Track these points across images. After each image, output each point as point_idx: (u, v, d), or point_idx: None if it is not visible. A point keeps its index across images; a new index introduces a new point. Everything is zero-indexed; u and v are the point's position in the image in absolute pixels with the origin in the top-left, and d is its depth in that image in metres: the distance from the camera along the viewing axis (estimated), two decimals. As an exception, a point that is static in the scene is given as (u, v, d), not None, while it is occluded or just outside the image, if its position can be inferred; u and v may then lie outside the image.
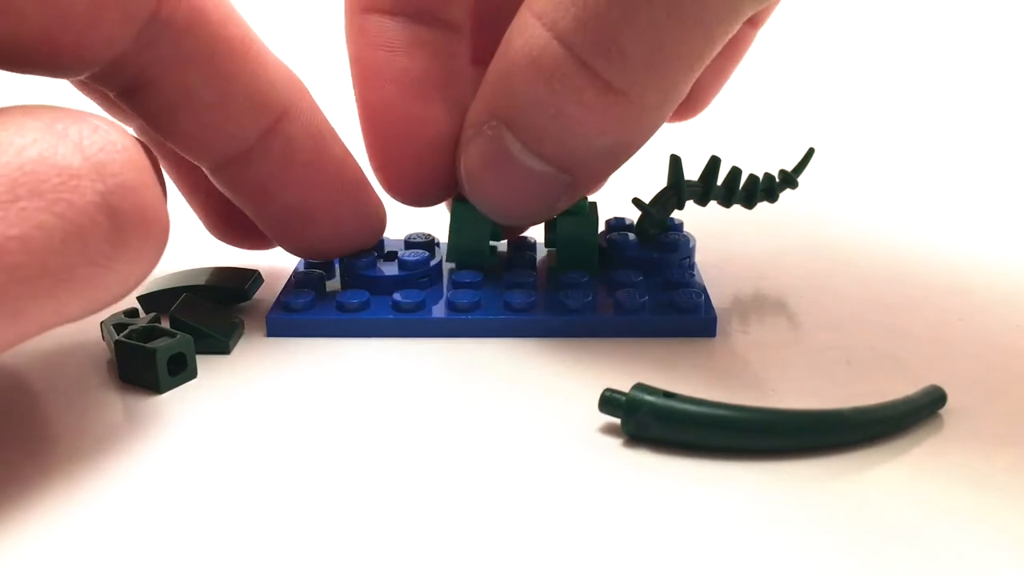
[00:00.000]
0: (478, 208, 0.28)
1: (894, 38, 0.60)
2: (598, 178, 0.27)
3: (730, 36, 0.23)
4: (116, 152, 0.19)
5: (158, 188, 0.20)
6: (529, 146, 0.25)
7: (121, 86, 0.24)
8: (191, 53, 0.23)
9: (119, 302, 0.21)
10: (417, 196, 0.29)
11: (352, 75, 0.28)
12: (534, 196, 0.27)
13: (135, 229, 0.19)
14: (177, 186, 0.30)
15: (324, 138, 0.27)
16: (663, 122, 0.25)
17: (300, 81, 0.27)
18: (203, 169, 0.26)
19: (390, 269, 0.29)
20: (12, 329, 0.18)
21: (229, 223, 0.30)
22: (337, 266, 0.30)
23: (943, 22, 0.61)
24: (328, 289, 0.29)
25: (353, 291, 0.28)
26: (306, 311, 0.28)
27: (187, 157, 0.26)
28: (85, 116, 0.19)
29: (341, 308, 0.28)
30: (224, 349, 0.27)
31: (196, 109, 0.24)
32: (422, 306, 0.28)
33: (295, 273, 0.30)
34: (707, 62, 0.24)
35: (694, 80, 0.24)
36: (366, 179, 0.28)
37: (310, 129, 0.26)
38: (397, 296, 0.28)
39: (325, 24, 0.64)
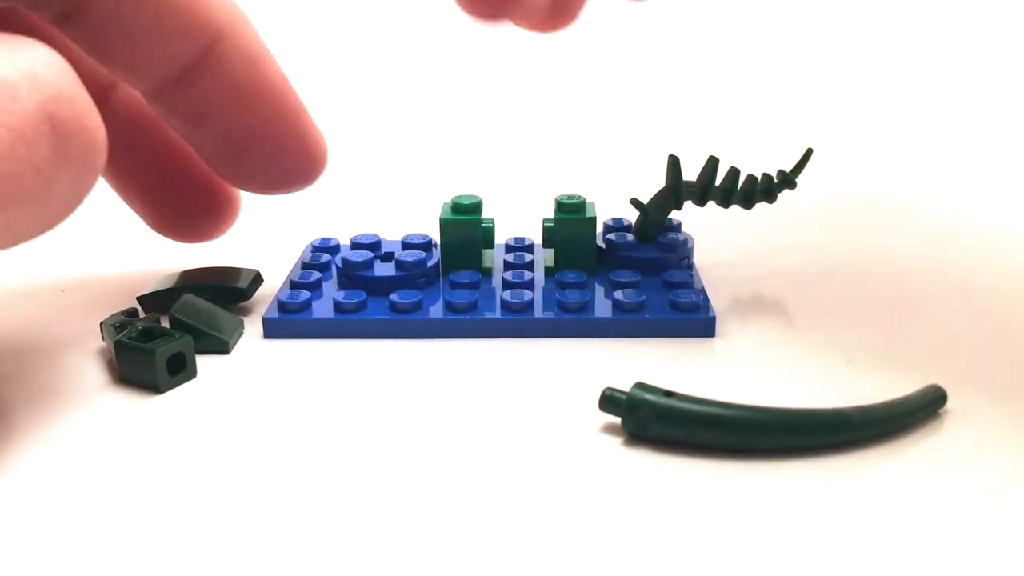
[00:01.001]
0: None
1: (892, 37, 0.60)
2: None
3: None
4: (48, 65, 0.20)
5: (90, 99, 0.21)
6: None
7: (57, 10, 0.23)
8: None
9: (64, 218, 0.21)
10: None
11: None
12: None
13: (76, 137, 0.20)
14: (112, 186, 0.30)
15: (261, 61, 0.27)
16: None
17: (236, 3, 0.26)
18: (142, 95, 0.26)
19: (387, 270, 0.29)
20: None
21: (167, 215, 0.30)
22: (335, 267, 0.30)
23: (941, 21, 0.61)
24: (325, 290, 0.29)
25: (350, 291, 0.28)
26: (303, 312, 0.28)
27: (126, 82, 0.26)
28: (11, 35, 0.20)
29: (338, 309, 0.28)
30: (224, 349, 0.27)
31: (131, 32, 0.24)
32: (419, 306, 0.28)
33: (292, 274, 0.30)
34: None
35: None
36: (305, 108, 0.28)
37: (247, 51, 0.26)
38: (394, 296, 0.28)
39: None
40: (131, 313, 0.27)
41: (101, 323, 0.27)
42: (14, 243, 0.20)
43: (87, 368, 0.26)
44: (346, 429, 0.23)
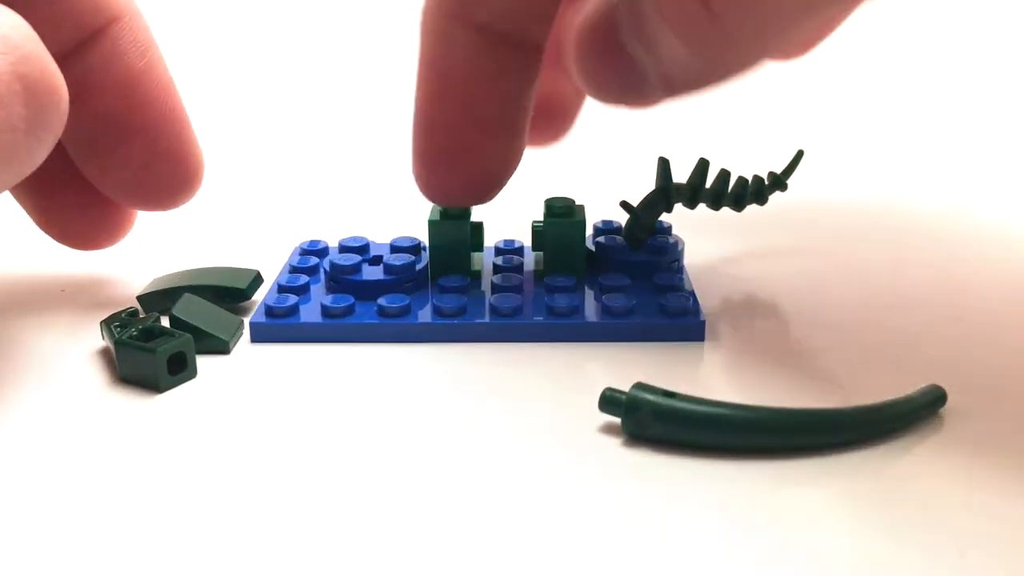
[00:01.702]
0: (580, 82, 0.26)
1: (883, 38, 0.61)
2: (680, 90, 0.25)
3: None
4: (15, 27, 0.21)
5: (53, 59, 0.22)
6: (633, 33, 0.24)
7: None
8: None
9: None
10: (447, 201, 0.28)
11: (419, 79, 0.27)
12: (627, 85, 0.25)
13: (45, 95, 0.21)
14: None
15: (151, 56, 0.27)
16: (753, 61, 0.24)
17: None
18: None
19: (375, 273, 0.29)
20: None
21: (58, 218, 0.30)
22: (322, 270, 0.30)
23: (933, 21, 0.61)
24: (313, 293, 0.29)
25: (338, 295, 0.28)
26: (290, 316, 0.27)
27: None
28: None
29: (326, 313, 0.27)
30: (224, 349, 0.26)
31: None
32: (408, 311, 0.27)
33: (279, 277, 0.29)
34: (810, 20, 0.23)
35: (796, 32, 0.23)
36: (188, 120, 0.28)
37: (139, 42, 0.27)
38: (382, 301, 0.27)
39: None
40: (131, 313, 0.27)
41: (101, 323, 0.26)
42: None
43: (87, 368, 0.26)
44: (344, 432, 0.23)
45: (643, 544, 0.19)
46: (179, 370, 0.25)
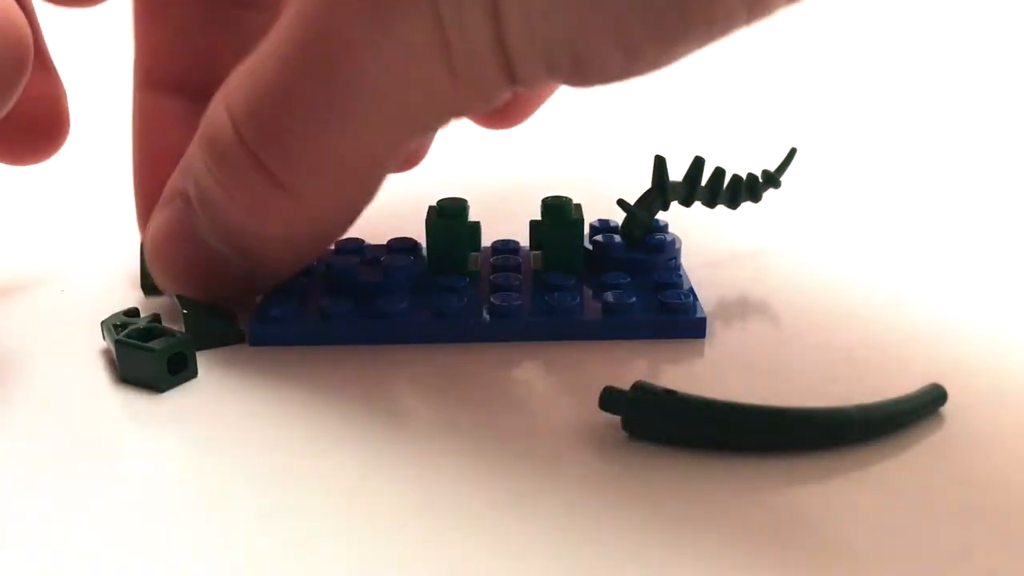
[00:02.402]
0: (155, 277, 0.28)
1: (876, 35, 0.61)
2: (278, 267, 0.27)
3: (406, 148, 0.24)
4: None
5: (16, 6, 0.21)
6: (209, 225, 0.25)
7: None
8: None
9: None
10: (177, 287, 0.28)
11: (132, 153, 0.29)
12: (213, 275, 0.26)
13: (8, 36, 0.21)
14: None
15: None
16: (344, 217, 0.26)
17: None
18: None
19: (373, 275, 0.29)
20: None
21: None
22: (319, 272, 0.30)
23: (926, 19, 0.61)
24: (310, 296, 0.29)
25: (336, 298, 0.28)
26: (288, 320, 0.27)
27: None
28: None
29: (324, 316, 0.27)
30: (242, 338, 0.27)
31: None
32: (406, 311, 0.27)
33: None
34: (382, 167, 0.24)
35: (373, 180, 0.25)
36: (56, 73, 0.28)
37: None
38: (380, 302, 0.27)
39: None
40: (131, 312, 0.27)
41: (102, 322, 0.26)
42: None
43: (87, 368, 0.26)
44: (344, 433, 0.23)
45: (643, 543, 0.19)
46: (180, 369, 0.25)
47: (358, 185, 0.25)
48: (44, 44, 0.28)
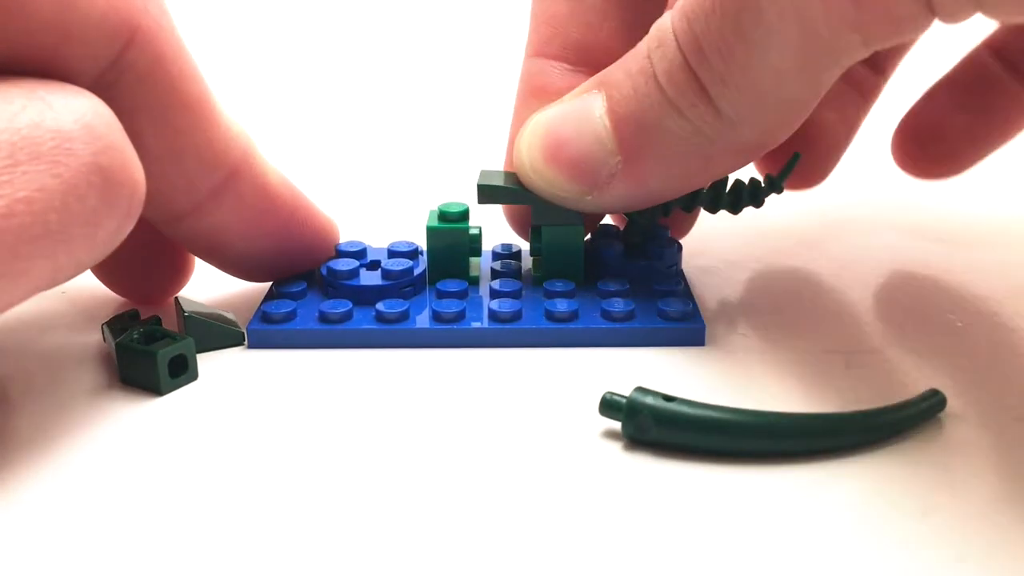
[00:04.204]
0: (525, 175, 0.27)
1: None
2: (657, 178, 0.26)
3: (815, 80, 0.23)
4: (99, 115, 0.20)
5: (133, 149, 0.21)
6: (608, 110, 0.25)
7: None
8: (148, 101, 0.23)
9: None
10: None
11: (514, 115, 0.30)
12: (583, 171, 0.26)
13: (123, 187, 0.20)
14: None
15: (272, 190, 0.27)
16: (751, 151, 0.26)
17: (248, 136, 0.26)
18: (159, 225, 0.26)
19: (373, 278, 0.29)
20: (14, 290, 0.19)
21: (121, 274, 0.30)
22: (320, 275, 0.30)
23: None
24: (310, 299, 0.29)
25: (335, 301, 0.28)
26: (287, 322, 0.27)
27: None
28: (61, 83, 0.20)
29: (323, 319, 0.27)
30: (240, 340, 0.27)
31: (147, 160, 0.23)
32: (406, 316, 0.27)
33: (277, 283, 0.29)
34: (808, 103, 0.24)
35: (791, 119, 0.24)
36: (311, 205, 0.29)
37: (258, 182, 0.26)
38: (380, 306, 0.27)
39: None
40: (133, 315, 0.27)
41: (103, 324, 0.27)
42: (54, 283, 0.20)
43: (88, 370, 0.26)
44: (342, 438, 0.23)
45: (643, 548, 0.19)
46: (180, 372, 0.25)
47: (776, 114, 0.24)
48: None
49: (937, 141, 0.31)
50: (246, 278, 0.29)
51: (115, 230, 0.21)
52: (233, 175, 0.25)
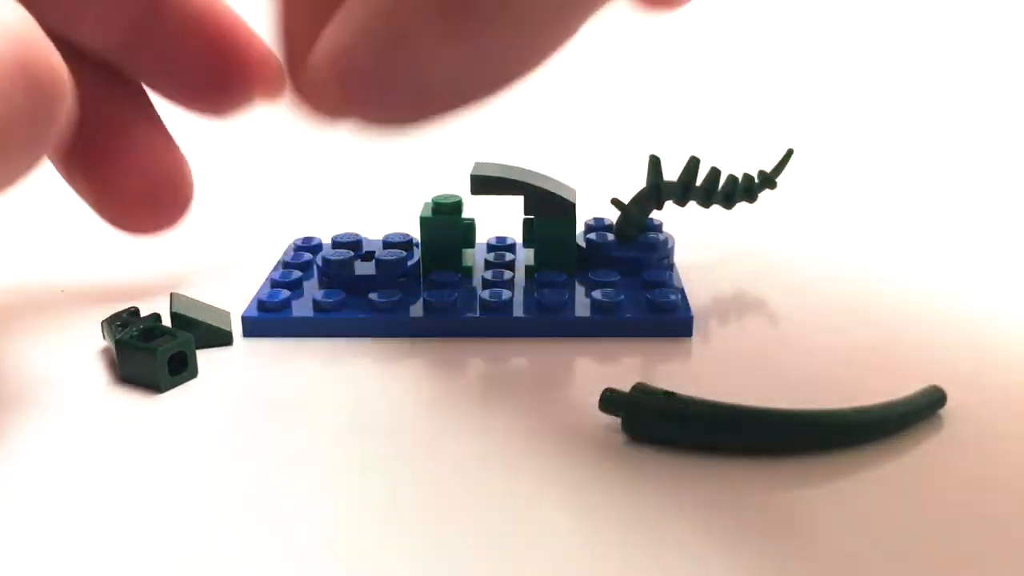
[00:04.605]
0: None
1: (873, 36, 0.61)
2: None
3: None
4: (15, 11, 0.20)
5: (53, 46, 0.20)
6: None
7: None
8: None
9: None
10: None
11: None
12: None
13: (48, 84, 0.20)
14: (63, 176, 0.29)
15: (197, 8, 0.26)
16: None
17: None
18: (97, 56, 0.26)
19: (367, 269, 0.29)
20: None
21: (113, 201, 0.29)
22: (315, 266, 0.30)
23: (925, 18, 0.61)
24: (306, 289, 0.29)
25: (330, 290, 0.28)
26: (282, 311, 0.27)
27: (82, 45, 0.26)
28: None
29: (318, 307, 0.27)
30: (228, 340, 0.27)
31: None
32: (399, 305, 0.28)
33: (273, 273, 0.30)
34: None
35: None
36: (244, 24, 0.27)
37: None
38: (374, 296, 0.28)
39: None
40: (132, 312, 0.27)
41: (102, 322, 0.27)
42: None
43: (88, 368, 0.26)
44: (340, 431, 0.23)
45: (645, 544, 0.19)
46: (180, 369, 0.25)
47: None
48: (156, 113, 0.28)
49: None
50: (198, 110, 0.28)
51: (47, 124, 0.20)
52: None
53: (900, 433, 0.22)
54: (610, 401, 0.22)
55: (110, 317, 0.27)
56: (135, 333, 0.25)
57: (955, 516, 0.19)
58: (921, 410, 0.23)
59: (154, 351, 0.24)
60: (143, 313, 0.27)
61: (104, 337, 0.27)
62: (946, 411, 0.23)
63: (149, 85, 0.28)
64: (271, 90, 0.27)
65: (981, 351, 0.26)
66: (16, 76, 0.19)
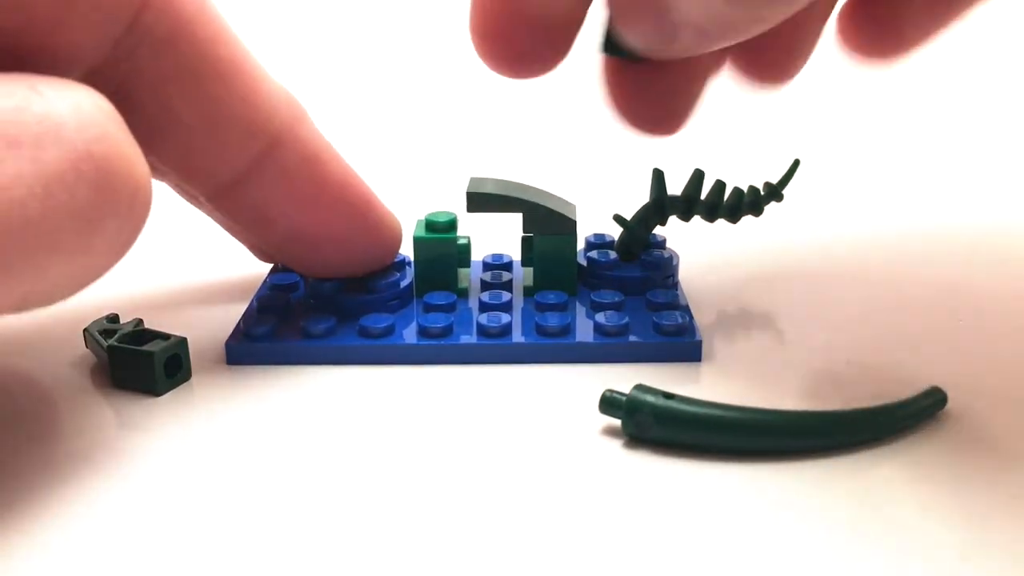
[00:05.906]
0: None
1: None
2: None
3: None
4: (94, 103, 0.18)
5: (137, 145, 0.19)
6: None
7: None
8: (174, 70, 0.22)
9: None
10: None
11: None
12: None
13: (120, 180, 0.18)
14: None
15: (321, 162, 0.25)
16: None
17: (297, 102, 0.25)
18: (202, 197, 0.25)
19: (358, 292, 0.27)
20: None
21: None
22: (302, 288, 0.29)
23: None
24: (292, 313, 0.28)
25: (318, 315, 0.27)
26: (268, 338, 0.26)
27: (181, 183, 0.25)
28: (58, 78, 0.18)
29: (306, 334, 0.26)
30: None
31: (180, 131, 0.22)
32: (391, 331, 0.26)
33: (257, 297, 0.28)
34: None
35: None
36: (373, 197, 0.27)
37: (306, 153, 0.25)
38: (365, 321, 0.26)
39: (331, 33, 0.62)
40: (113, 319, 0.26)
41: (84, 330, 0.26)
42: (50, 299, 0.19)
43: (75, 376, 0.25)
44: (343, 441, 0.22)
45: (645, 546, 0.19)
46: (175, 372, 0.24)
47: None
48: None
49: (886, 7, 0.26)
50: (306, 271, 0.28)
51: (116, 233, 0.19)
52: (275, 144, 0.24)
53: (901, 435, 0.22)
54: (610, 402, 0.22)
55: (92, 324, 0.26)
56: (126, 338, 0.25)
57: (956, 518, 0.19)
58: (922, 411, 0.23)
59: (152, 354, 0.24)
60: (123, 319, 0.26)
61: (86, 344, 0.26)
62: (946, 412, 0.23)
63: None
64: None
65: (982, 352, 0.26)
66: (84, 168, 0.18)
